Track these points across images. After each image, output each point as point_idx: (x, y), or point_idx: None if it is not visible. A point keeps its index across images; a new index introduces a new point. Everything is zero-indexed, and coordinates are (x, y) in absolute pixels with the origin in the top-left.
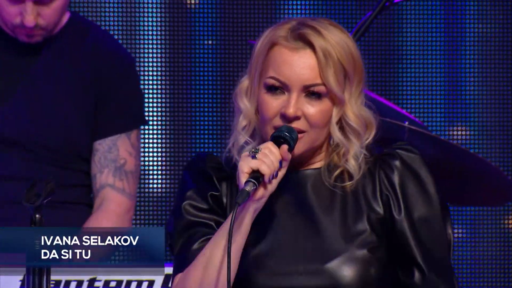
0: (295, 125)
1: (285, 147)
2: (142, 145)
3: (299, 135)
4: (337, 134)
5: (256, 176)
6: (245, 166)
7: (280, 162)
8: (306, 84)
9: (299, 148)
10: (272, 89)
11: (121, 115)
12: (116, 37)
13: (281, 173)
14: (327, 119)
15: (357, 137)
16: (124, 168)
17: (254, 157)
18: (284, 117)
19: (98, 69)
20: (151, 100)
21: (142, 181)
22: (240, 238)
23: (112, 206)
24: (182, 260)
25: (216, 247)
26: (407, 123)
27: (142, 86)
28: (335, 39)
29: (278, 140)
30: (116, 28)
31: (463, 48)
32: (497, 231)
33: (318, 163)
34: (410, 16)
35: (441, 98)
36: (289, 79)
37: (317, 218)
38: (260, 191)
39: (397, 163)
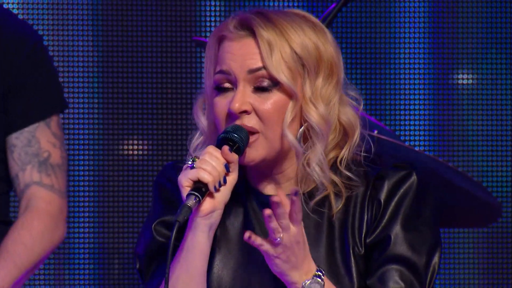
0: (246, 122)
1: (225, 148)
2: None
3: (253, 137)
4: (289, 137)
5: (199, 187)
6: (184, 179)
7: (227, 166)
8: (250, 68)
9: (256, 154)
10: (221, 89)
11: (36, 102)
12: (47, 32)
13: (231, 179)
14: (281, 114)
15: (320, 139)
16: (49, 161)
17: (192, 166)
18: (231, 115)
19: (2, 55)
20: (86, 100)
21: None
22: (198, 261)
23: (43, 205)
24: None
25: (172, 276)
26: (376, 132)
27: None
28: (288, 25)
29: (223, 143)
30: (46, 23)
31: (446, 47)
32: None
33: (294, 182)
34: (380, 10)
35: (416, 104)
36: (232, 67)
37: None
38: (208, 204)
39: (385, 186)
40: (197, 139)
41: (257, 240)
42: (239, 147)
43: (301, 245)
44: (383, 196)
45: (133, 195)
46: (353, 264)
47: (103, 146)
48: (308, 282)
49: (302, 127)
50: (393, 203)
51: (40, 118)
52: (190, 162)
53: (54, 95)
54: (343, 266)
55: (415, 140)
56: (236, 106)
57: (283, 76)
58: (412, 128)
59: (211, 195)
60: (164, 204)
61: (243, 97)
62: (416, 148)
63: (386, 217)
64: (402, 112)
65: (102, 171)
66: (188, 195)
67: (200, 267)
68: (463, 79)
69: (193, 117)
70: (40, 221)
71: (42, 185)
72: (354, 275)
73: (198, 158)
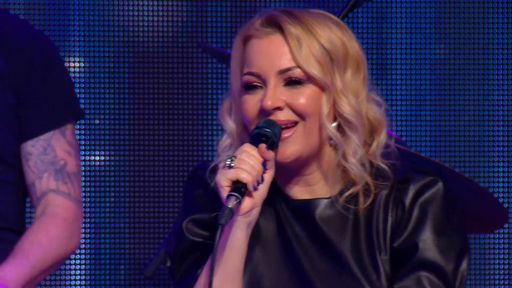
0: (281, 117)
1: (262, 146)
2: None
3: (289, 131)
4: (328, 127)
5: (238, 187)
6: (223, 179)
7: (264, 164)
8: (281, 68)
9: (292, 149)
10: (250, 88)
11: (51, 109)
12: (54, 38)
13: (268, 176)
14: (316, 106)
15: (354, 131)
16: (65, 169)
17: (230, 166)
18: (263, 112)
19: (16, 60)
20: (92, 105)
21: None
22: (236, 259)
23: (60, 212)
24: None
25: (208, 273)
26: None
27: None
28: (315, 21)
29: (257, 139)
30: (53, 28)
31: (457, 51)
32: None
33: (325, 184)
34: (394, 11)
35: (422, 109)
36: (261, 68)
37: (332, 253)
38: (247, 203)
39: (409, 190)
40: (224, 141)
41: None
42: (273, 142)
43: None
44: (408, 200)
45: (139, 200)
46: (380, 265)
47: (104, 149)
48: None
49: (336, 122)
50: (419, 208)
51: (55, 126)
52: (228, 162)
53: (69, 104)
54: (371, 265)
55: (421, 146)
56: (269, 103)
57: (314, 69)
58: (418, 134)
59: (249, 194)
60: (195, 203)
61: (275, 93)
62: (423, 154)
63: (413, 221)
64: (408, 118)
65: (108, 176)
66: (229, 196)
67: (237, 265)
68: (469, 84)
69: (219, 120)
70: (57, 226)
71: (59, 193)
72: (383, 275)
73: (236, 157)
